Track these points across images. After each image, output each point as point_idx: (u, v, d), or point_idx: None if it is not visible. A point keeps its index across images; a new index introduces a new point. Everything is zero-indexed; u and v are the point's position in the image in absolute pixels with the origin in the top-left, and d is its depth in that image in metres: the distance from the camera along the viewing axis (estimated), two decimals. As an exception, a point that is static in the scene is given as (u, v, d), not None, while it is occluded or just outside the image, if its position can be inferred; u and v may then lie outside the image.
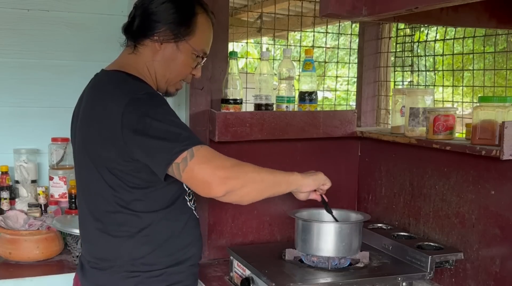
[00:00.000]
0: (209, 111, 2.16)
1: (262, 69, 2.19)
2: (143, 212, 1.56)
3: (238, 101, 2.14)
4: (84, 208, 1.64)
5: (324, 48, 2.87)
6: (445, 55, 2.39)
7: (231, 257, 2.02)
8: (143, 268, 1.57)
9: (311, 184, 1.69)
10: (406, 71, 2.56)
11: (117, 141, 1.47)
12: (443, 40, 2.36)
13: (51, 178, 2.41)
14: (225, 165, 1.45)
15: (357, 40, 2.71)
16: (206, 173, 1.42)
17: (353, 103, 3.17)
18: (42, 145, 2.46)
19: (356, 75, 2.71)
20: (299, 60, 2.57)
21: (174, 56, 1.63)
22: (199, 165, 1.41)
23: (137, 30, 1.61)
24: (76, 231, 1.95)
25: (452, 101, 2.39)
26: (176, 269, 1.62)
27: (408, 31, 2.52)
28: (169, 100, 2.27)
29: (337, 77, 2.86)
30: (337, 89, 3.03)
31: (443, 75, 2.48)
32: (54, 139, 2.42)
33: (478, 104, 1.74)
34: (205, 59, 1.71)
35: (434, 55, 2.49)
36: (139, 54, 1.63)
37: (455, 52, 2.40)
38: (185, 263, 1.64)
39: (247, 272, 1.90)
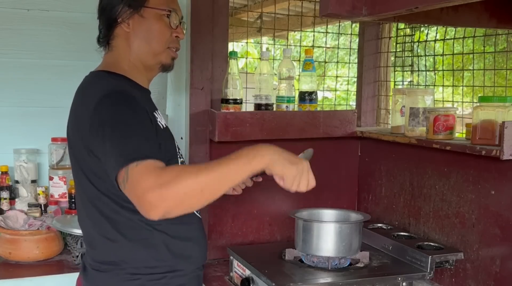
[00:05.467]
0: (209, 111, 2.16)
1: (262, 69, 2.19)
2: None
3: (238, 101, 2.14)
4: (82, 212, 1.62)
5: (324, 48, 2.87)
6: (445, 55, 2.39)
7: (231, 257, 2.02)
8: (144, 271, 1.54)
9: (287, 173, 1.44)
10: (406, 71, 2.56)
11: (89, 145, 1.46)
12: (443, 40, 2.35)
13: (51, 178, 2.41)
14: (154, 186, 1.25)
15: (357, 40, 2.71)
16: (137, 198, 1.28)
17: (353, 103, 3.16)
18: (42, 145, 2.46)
19: (356, 75, 2.71)
20: (299, 60, 2.57)
21: (146, 27, 1.60)
22: (131, 189, 1.29)
23: (103, 27, 1.62)
24: (76, 231, 1.95)
25: (452, 101, 2.39)
26: (178, 272, 1.58)
27: (408, 31, 2.52)
28: (169, 100, 2.28)
29: (337, 77, 2.85)
30: (337, 89, 3.03)
31: (443, 75, 2.48)
32: (54, 139, 2.42)
33: (478, 104, 1.74)
34: (175, 16, 1.62)
35: (434, 55, 2.49)
36: (115, 48, 1.62)
37: (455, 52, 2.39)
38: (188, 266, 1.61)
39: (247, 272, 1.90)
